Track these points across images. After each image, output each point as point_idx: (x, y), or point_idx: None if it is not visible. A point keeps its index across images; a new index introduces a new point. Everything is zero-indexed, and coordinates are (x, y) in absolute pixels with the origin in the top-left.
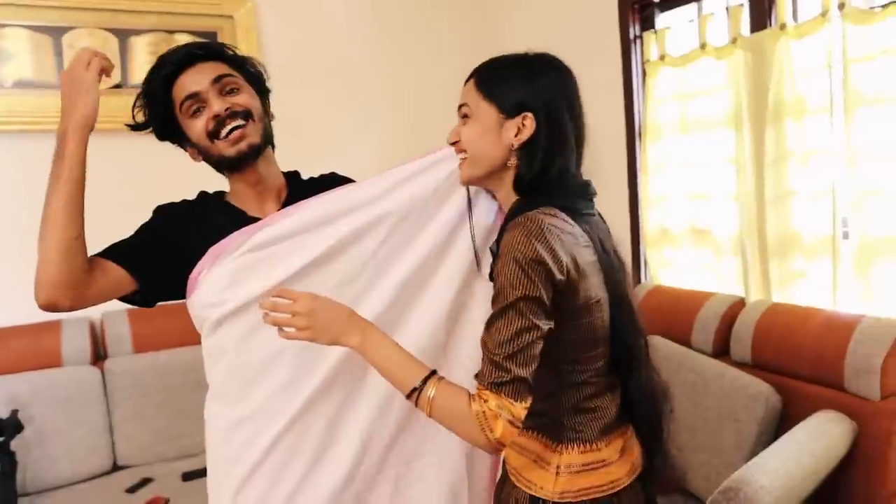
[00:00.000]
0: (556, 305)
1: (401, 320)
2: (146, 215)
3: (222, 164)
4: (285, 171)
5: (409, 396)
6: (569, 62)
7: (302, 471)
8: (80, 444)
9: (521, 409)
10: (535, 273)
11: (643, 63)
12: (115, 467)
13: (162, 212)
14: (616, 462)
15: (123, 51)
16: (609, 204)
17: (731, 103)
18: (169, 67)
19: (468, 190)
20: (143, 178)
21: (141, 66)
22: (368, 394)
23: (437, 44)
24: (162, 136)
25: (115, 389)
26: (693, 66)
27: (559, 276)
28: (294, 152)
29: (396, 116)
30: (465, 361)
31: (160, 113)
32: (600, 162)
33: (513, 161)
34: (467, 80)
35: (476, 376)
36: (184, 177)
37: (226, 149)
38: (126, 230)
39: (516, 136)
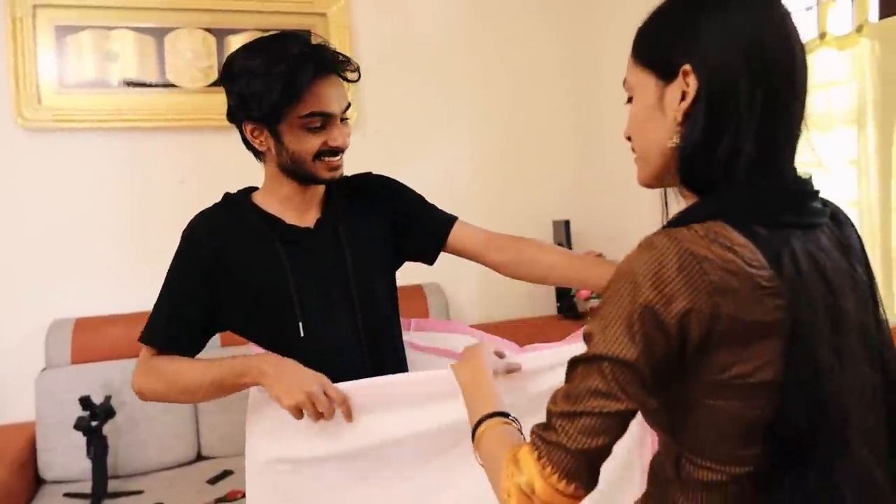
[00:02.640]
0: (672, 375)
1: None
2: None
3: (301, 176)
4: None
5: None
6: None
7: None
8: (167, 433)
9: (550, 487)
10: (643, 326)
11: None
12: (199, 457)
13: (191, 248)
14: None
15: (220, 49)
16: None
17: (853, 99)
18: (311, 68)
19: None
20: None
21: None
22: None
23: (533, 42)
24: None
25: None
26: (810, 59)
27: (673, 341)
28: (383, 150)
29: (490, 116)
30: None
31: (274, 100)
32: None
33: (675, 140)
34: None
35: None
36: None
37: (322, 171)
38: None
39: (683, 100)
